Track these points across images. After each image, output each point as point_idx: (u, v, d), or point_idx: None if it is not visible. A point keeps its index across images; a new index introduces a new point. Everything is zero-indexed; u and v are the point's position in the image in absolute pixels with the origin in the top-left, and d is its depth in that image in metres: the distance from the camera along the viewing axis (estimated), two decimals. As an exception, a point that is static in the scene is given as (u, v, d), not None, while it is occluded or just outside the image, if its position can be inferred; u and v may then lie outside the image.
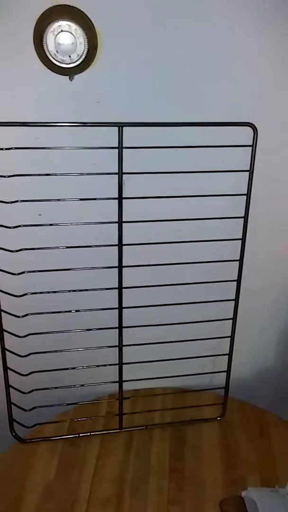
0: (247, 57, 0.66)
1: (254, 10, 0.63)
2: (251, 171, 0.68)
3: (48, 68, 0.62)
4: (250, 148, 0.67)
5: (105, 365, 0.80)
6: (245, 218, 0.71)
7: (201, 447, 0.79)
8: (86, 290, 0.74)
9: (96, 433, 0.81)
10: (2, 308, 0.71)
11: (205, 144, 0.67)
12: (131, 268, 0.72)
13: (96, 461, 0.76)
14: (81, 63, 0.61)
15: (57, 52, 0.60)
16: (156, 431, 0.82)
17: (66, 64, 0.61)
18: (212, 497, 0.70)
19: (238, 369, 0.86)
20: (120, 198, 0.68)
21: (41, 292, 0.72)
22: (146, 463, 0.76)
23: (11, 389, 0.76)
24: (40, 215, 0.72)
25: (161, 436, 0.81)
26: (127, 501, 0.71)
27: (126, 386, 0.81)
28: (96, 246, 0.71)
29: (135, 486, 0.73)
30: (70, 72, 0.63)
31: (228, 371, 0.82)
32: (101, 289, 0.74)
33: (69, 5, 0.59)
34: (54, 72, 0.62)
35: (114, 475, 0.74)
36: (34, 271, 0.70)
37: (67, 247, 0.71)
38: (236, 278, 0.75)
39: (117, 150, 0.65)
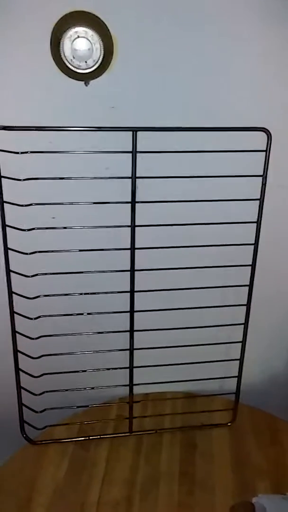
0: (263, 62, 0.66)
1: (269, 12, 0.63)
2: (264, 176, 0.68)
3: (64, 74, 0.63)
4: (263, 153, 0.67)
5: (115, 369, 0.80)
6: (258, 223, 0.71)
7: (211, 452, 0.79)
8: (98, 293, 0.74)
9: (106, 436, 0.81)
10: (15, 310, 0.72)
11: (218, 149, 0.68)
12: (143, 271, 0.72)
13: (105, 464, 0.77)
14: (97, 68, 0.62)
15: (73, 57, 0.61)
16: (166, 435, 0.82)
17: (82, 69, 0.62)
18: (222, 503, 0.70)
19: (249, 375, 0.85)
20: (133, 202, 0.68)
21: (53, 295, 0.73)
22: (156, 467, 0.76)
23: (22, 390, 0.77)
24: (53, 218, 0.73)
25: (171, 441, 0.81)
26: (136, 504, 0.71)
27: (136, 390, 0.81)
28: (109, 249, 0.71)
29: (145, 489, 0.73)
30: (86, 78, 0.63)
31: (239, 376, 0.81)
32: (113, 292, 0.74)
33: (85, 11, 0.60)
34: (70, 77, 0.63)
35: (124, 479, 0.74)
36: (47, 274, 0.71)
37: (80, 250, 0.72)
38: (248, 283, 0.75)
39: (130, 154, 0.66)
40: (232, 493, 0.72)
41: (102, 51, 0.61)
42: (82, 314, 0.76)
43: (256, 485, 0.73)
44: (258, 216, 0.71)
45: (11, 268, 0.70)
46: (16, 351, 0.74)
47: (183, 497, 0.72)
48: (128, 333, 0.76)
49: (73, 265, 0.72)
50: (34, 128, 0.63)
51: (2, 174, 0.64)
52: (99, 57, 0.61)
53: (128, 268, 0.72)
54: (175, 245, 0.72)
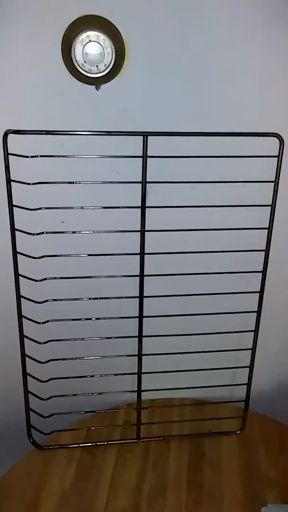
0: (275, 66, 0.65)
1: (276, 23, 0.62)
2: (276, 182, 0.68)
3: (75, 78, 0.63)
4: (276, 158, 0.67)
5: (124, 374, 0.79)
6: (269, 229, 0.70)
7: (219, 460, 0.78)
8: (107, 298, 0.74)
9: (114, 442, 0.80)
10: (23, 314, 0.72)
11: (230, 155, 0.67)
12: (152, 277, 0.72)
13: (113, 471, 0.76)
14: (108, 72, 0.62)
15: (84, 62, 0.61)
16: (174, 443, 0.81)
17: (93, 74, 0.62)
18: (231, 512, 0.69)
19: (259, 382, 0.84)
20: (143, 207, 0.68)
21: (62, 299, 0.72)
22: (164, 474, 0.75)
23: (30, 395, 0.76)
24: (62, 222, 0.73)
25: (179, 448, 0.80)
26: (144, 512, 0.70)
27: (144, 396, 0.80)
28: (118, 254, 0.71)
29: (152, 497, 0.72)
30: (97, 82, 0.63)
31: (248, 384, 0.80)
32: (122, 297, 0.73)
33: (97, 16, 0.60)
34: (81, 81, 0.63)
35: (131, 486, 0.74)
36: (55, 278, 0.71)
37: (89, 255, 0.72)
38: (258, 290, 0.74)
39: (140, 159, 0.65)
40: (240, 502, 0.71)
41: (114, 56, 0.61)
42: (90, 319, 0.76)
43: (265, 495, 0.72)
44: (269, 222, 0.70)
45: (20, 272, 0.69)
46: (24, 356, 0.74)
47: (190, 505, 0.71)
48: (136, 339, 0.76)
49: (82, 270, 0.72)
50: (44, 132, 0.63)
51: (12, 178, 0.64)
52: (111, 61, 0.61)
53: (137, 273, 0.72)
54: (184, 251, 0.71)
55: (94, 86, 0.64)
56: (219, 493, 0.72)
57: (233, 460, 0.78)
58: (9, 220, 0.66)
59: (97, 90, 0.64)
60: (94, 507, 0.70)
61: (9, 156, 0.63)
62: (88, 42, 0.60)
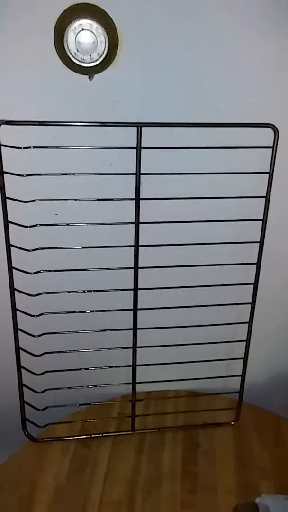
0: (269, 57, 0.65)
1: (271, 15, 0.62)
2: (270, 173, 0.67)
3: (68, 67, 0.62)
4: (270, 149, 0.66)
5: (118, 367, 0.79)
6: (264, 220, 0.70)
7: (214, 452, 0.78)
8: (101, 290, 0.74)
9: (108, 434, 0.80)
10: (17, 307, 0.71)
11: (224, 145, 0.67)
12: (146, 269, 0.72)
13: (108, 463, 0.76)
14: (101, 62, 0.61)
15: (77, 51, 0.60)
16: (169, 434, 0.81)
17: (86, 63, 0.61)
18: (226, 503, 0.70)
19: (253, 374, 0.84)
20: (137, 199, 0.67)
21: (56, 292, 0.72)
22: (158, 466, 0.76)
23: (24, 388, 0.76)
24: (56, 214, 0.72)
25: (173, 439, 0.80)
26: (139, 504, 0.70)
27: (138, 388, 0.80)
28: (112, 246, 0.70)
29: (147, 489, 0.72)
30: (90, 71, 0.62)
31: (243, 375, 0.81)
32: (116, 290, 0.73)
33: (90, 4, 0.59)
34: (74, 71, 0.62)
35: (126, 478, 0.74)
36: (49, 271, 0.70)
37: (83, 247, 0.71)
38: (253, 282, 0.74)
39: (134, 150, 0.65)
40: (235, 493, 0.71)
41: (107, 45, 0.60)
42: (84, 311, 0.76)
43: (259, 485, 0.73)
44: (264, 214, 0.70)
45: (13, 265, 0.69)
46: (18, 349, 0.74)
47: (185, 497, 0.71)
48: (131, 331, 0.75)
49: (76, 262, 0.71)
50: (37, 123, 0.62)
51: (4, 170, 0.64)
52: (104, 50, 0.60)
53: (132, 265, 0.71)
54: (179, 243, 0.71)
55: (87, 76, 0.63)
56: (214, 484, 0.73)
57: (228, 451, 0.78)
58: (2, 212, 0.66)
59: (90, 80, 0.63)
60: (89, 500, 0.70)
61: (1, 147, 0.63)
62: (80, 31, 0.59)
